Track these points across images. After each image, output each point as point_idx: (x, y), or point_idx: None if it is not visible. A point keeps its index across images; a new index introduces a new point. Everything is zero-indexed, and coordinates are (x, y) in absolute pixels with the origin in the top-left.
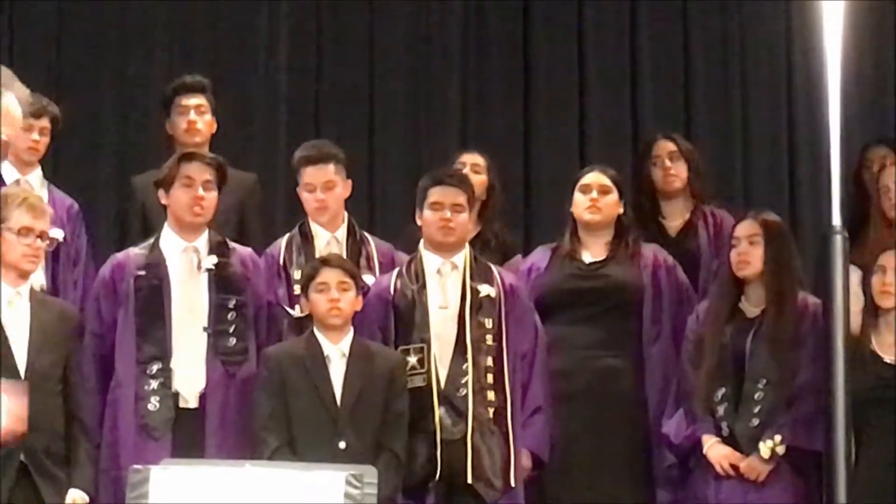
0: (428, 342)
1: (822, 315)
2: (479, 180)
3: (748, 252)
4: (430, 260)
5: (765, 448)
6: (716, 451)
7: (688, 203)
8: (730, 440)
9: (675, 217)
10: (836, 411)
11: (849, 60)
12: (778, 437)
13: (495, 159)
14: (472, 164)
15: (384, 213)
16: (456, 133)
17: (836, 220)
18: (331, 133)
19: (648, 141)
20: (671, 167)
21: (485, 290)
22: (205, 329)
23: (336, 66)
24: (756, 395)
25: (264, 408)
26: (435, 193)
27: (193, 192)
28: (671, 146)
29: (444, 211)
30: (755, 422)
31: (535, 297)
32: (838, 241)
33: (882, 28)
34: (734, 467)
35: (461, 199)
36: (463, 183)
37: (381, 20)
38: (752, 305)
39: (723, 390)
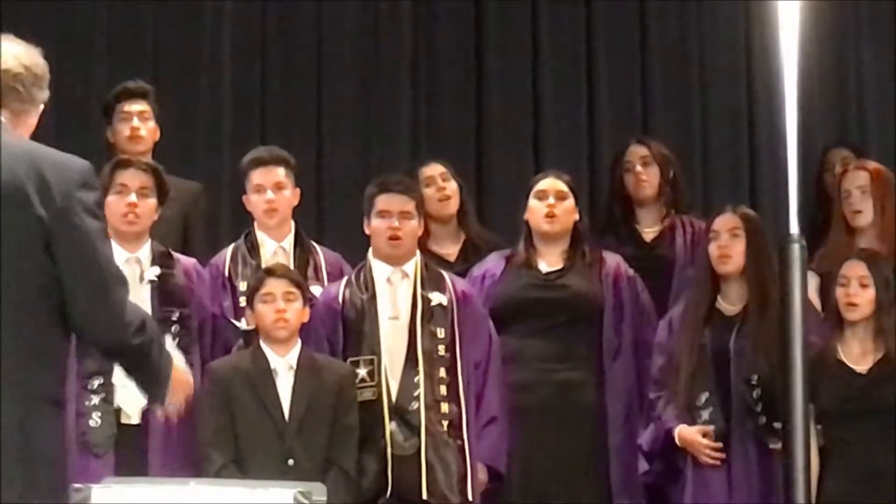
0: (378, 354)
1: (780, 324)
2: (453, 188)
3: (729, 246)
4: (380, 269)
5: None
6: (686, 432)
7: (662, 210)
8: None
9: (649, 224)
10: (796, 422)
11: (809, 64)
12: None
13: (447, 166)
14: (440, 173)
15: (333, 222)
16: (407, 140)
17: (794, 227)
18: (277, 141)
19: (622, 145)
20: (642, 172)
21: (436, 298)
22: None
23: (283, 72)
24: (754, 393)
25: (209, 424)
26: (382, 201)
27: (126, 199)
28: (643, 151)
29: (392, 219)
30: (762, 420)
31: (491, 306)
32: (796, 250)
33: (843, 30)
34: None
35: (409, 206)
36: (410, 189)
37: (329, 25)
38: (730, 303)
39: (706, 394)
